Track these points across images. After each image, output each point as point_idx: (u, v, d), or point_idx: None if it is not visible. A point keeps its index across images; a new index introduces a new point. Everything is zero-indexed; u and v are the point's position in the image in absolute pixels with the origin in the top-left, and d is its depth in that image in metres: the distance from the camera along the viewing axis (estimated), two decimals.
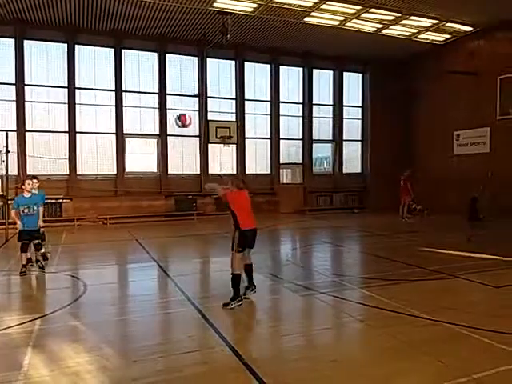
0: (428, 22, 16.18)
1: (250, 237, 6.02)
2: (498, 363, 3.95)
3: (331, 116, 21.24)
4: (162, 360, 4.16)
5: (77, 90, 16.63)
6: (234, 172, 19.29)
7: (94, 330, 5.03)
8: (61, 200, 16.15)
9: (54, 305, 5.99)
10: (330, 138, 21.30)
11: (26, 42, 15.90)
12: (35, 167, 16.19)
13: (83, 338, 4.83)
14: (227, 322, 5.26)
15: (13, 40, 15.63)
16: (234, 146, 19.15)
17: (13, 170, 15.14)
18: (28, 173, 15.93)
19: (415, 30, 16.93)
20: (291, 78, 20.44)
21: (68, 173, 16.56)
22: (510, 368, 3.87)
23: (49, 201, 15.82)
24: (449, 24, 16.42)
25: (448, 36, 17.67)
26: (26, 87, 15.95)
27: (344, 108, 21.27)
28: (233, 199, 6.12)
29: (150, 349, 4.41)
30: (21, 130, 15.77)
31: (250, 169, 19.62)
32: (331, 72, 21.09)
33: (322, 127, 21.13)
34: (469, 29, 16.95)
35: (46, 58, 16.40)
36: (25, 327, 5.10)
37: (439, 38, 17.84)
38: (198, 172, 18.61)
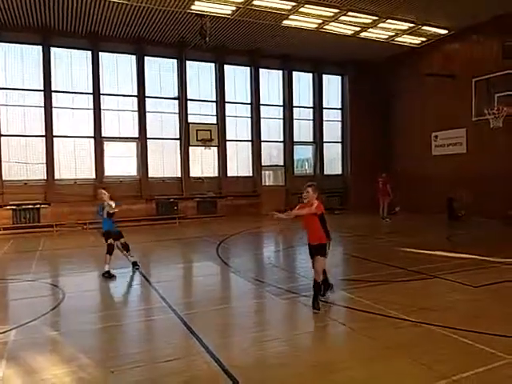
0: (404, 26, 16.41)
1: None
2: (477, 364, 3.99)
3: (311, 118, 21.36)
4: (141, 369, 4.07)
5: (53, 94, 16.31)
6: (216, 175, 19.22)
7: (71, 340, 4.91)
8: (38, 205, 15.81)
9: (31, 314, 5.82)
10: (311, 139, 21.42)
11: (0, 45, 15.53)
12: (11, 172, 15.82)
13: (60, 348, 4.71)
14: (208, 328, 5.19)
15: None
16: (216, 148, 19.08)
17: None
18: (4, 178, 15.60)
19: (392, 33, 17.16)
20: (271, 80, 20.48)
21: (45, 178, 16.21)
22: (489, 368, 3.92)
23: (26, 207, 15.56)
24: (425, 27, 16.68)
25: (424, 39, 17.95)
26: (0, 90, 15.58)
27: (324, 110, 21.41)
28: (322, 208, 5.78)
29: (129, 358, 4.33)
30: None
31: (232, 171, 19.58)
32: (311, 74, 21.22)
33: (303, 129, 21.23)
34: (444, 32, 17.25)
35: (20, 61, 16.04)
36: None
37: (415, 40, 18.12)
38: (179, 175, 18.47)
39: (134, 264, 8.78)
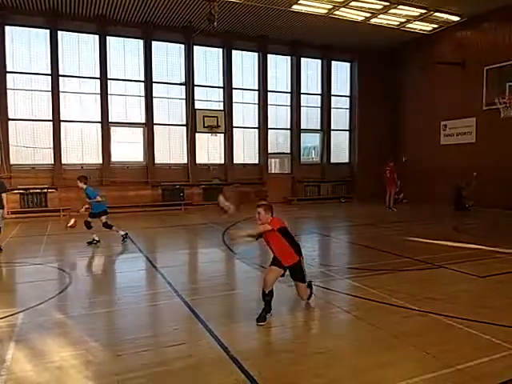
0: (416, 12, 16.15)
1: None
2: (482, 354, 3.99)
3: (319, 105, 21.18)
4: (147, 353, 4.12)
5: (60, 78, 16.28)
6: (222, 162, 19.19)
7: (78, 323, 4.97)
8: (46, 190, 15.91)
9: (38, 297, 5.90)
10: (318, 127, 21.27)
11: (8, 28, 15.48)
12: (18, 156, 15.90)
13: (68, 331, 4.76)
14: (213, 314, 5.23)
15: None
16: (222, 135, 19.01)
17: None
18: (11, 162, 15.67)
19: (403, 20, 16.90)
20: (279, 66, 20.28)
21: (53, 162, 16.28)
22: (494, 358, 3.92)
23: (33, 191, 15.67)
24: (436, 14, 16.40)
25: (435, 26, 17.67)
26: (8, 74, 15.57)
27: (332, 97, 21.21)
28: (280, 222, 5.21)
29: (136, 342, 4.37)
30: (3, 118, 15.42)
31: (238, 158, 19.54)
32: (319, 61, 20.98)
33: (310, 117, 21.08)
34: (456, 18, 16.96)
35: (28, 45, 16.00)
36: (8, 321, 5.02)
37: (427, 27, 17.84)
38: (186, 161, 18.46)
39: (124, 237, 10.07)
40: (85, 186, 9.95)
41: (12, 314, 5.22)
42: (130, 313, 5.38)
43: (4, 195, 8.51)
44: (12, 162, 15.70)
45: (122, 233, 10.12)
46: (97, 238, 9.96)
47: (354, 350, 4.26)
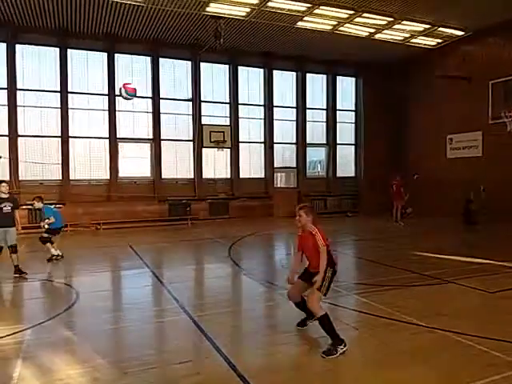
0: (420, 27, 16.29)
1: None
2: (492, 371, 3.93)
3: (325, 120, 21.29)
4: (155, 371, 4.10)
5: (69, 95, 16.54)
6: (229, 176, 19.27)
7: (86, 340, 4.96)
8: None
9: (46, 314, 5.92)
10: (324, 141, 21.35)
11: (18, 46, 15.80)
12: (27, 172, 16.08)
13: (75, 348, 4.76)
14: (221, 331, 5.20)
15: (4, 44, 15.51)
16: (228, 150, 19.13)
17: (4, 176, 15.07)
18: (20, 178, 15.84)
19: (407, 35, 17.03)
20: (285, 82, 20.47)
21: (61, 178, 16.45)
22: (506, 376, 3.86)
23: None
24: (441, 29, 16.53)
25: (440, 40, 17.79)
26: (18, 91, 15.84)
27: (337, 112, 21.32)
28: (324, 234, 4.75)
29: (143, 359, 4.35)
30: (13, 134, 15.65)
31: (245, 173, 19.62)
32: (324, 76, 21.15)
33: (316, 131, 21.18)
34: (460, 33, 17.07)
35: (38, 62, 16.31)
36: (15, 338, 5.03)
37: (431, 42, 17.96)
38: (192, 176, 18.56)
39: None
40: (41, 205, 10.07)
41: (20, 331, 5.22)
42: (137, 329, 5.37)
43: (16, 211, 8.58)
44: (21, 177, 15.87)
45: (55, 253, 9.99)
46: (57, 253, 10.00)
47: (362, 367, 4.21)
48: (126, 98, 9.78)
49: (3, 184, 8.44)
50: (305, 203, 5.42)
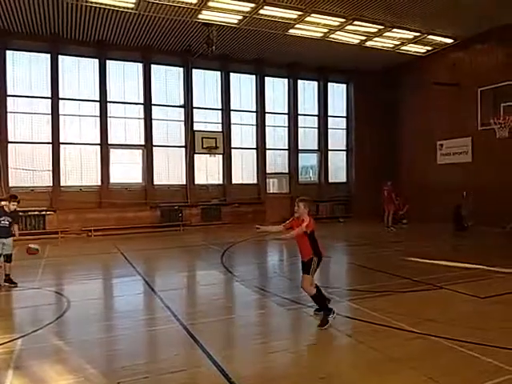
0: (410, 35, 16.48)
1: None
2: (486, 377, 3.97)
3: (316, 126, 21.41)
4: (147, 381, 4.08)
5: (60, 101, 16.45)
6: (221, 182, 19.27)
7: (77, 350, 4.93)
8: (44, 212, 15.88)
9: (37, 323, 5.86)
10: (316, 147, 21.44)
11: (9, 52, 15.71)
12: (18, 179, 15.93)
13: (66, 357, 4.72)
14: (213, 338, 5.19)
15: None
16: (221, 156, 19.14)
17: None
18: (11, 185, 15.68)
19: (398, 42, 17.22)
20: (276, 88, 20.56)
21: (51, 184, 16.30)
22: (497, 382, 3.89)
23: (32, 213, 15.62)
24: (430, 36, 16.73)
25: (429, 48, 18.00)
26: (8, 98, 15.73)
27: (329, 118, 21.45)
28: (313, 225, 5.63)
29: (135, 369, 4.33)
30: (3, 141, 15.52)
31: (237, 179, 19.62)
32: (316, 83, 21.29)
33: (308, 137, 21.27)
34: (449, 41, 17.29)
35: (29, 68, 16.20)
36: (5, 347, 4.97)
37: (421, 49, 18.16)
38: (184, 182, 18.52)
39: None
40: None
41: (10, 340, 5.17)
42: (129, 338, 5.34)
43: (16, 226, 8.51)
44: (11, 184, 15.70)
45: None
46: None
47: (355, 374, 4.22)
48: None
49: (13, 202, 8.27)
50: (304, 196, 5.95)
